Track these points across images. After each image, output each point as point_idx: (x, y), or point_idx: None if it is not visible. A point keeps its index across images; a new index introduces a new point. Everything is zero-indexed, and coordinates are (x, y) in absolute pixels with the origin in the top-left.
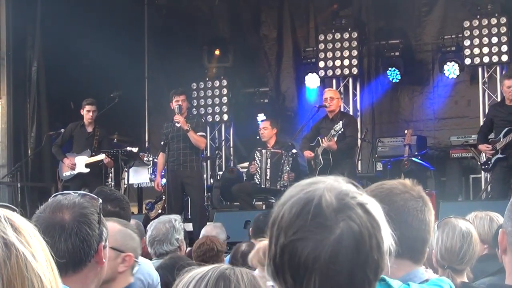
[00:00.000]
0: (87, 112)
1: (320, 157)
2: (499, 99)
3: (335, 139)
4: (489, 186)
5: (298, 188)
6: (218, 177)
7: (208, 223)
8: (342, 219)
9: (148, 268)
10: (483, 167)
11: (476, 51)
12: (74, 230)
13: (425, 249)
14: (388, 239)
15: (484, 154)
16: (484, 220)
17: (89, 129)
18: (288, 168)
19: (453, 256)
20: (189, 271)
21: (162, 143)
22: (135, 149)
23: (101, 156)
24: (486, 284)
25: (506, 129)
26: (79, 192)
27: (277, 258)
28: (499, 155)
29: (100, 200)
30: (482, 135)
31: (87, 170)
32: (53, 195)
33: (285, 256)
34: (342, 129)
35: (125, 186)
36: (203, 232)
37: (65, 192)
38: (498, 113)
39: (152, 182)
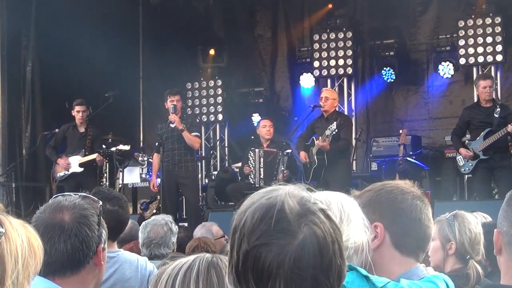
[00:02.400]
0: (77, 113)
1: (315, 157)
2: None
3: (329, 139)
4: (466, 187)
5: (258, 195)
6: (213, 177)
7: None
8: (305, 223)
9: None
10: (462, 169)
11: (471, 50)
12: (74, 231)
13: (427, 246)
14: (361, 236)
15: (462, 157)
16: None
17: (82, 129)
18: (283, 168)
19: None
20: (167, 265)
21: (156, 143)
22: (127, 147)
23: (94, 155)
24: (482, 285)
25: (487, 130)
26: (79, 193)
27: (240, 265)
28: (481, 157)
29: (101, 202)
30: (458, 138)
31: (81, 169)
32: (53, 196)
33: (248, 262)
34: (336, 130)
35: (120, 186)
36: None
37: (65, 193)
38: (475, 115)
39: (146, 182)
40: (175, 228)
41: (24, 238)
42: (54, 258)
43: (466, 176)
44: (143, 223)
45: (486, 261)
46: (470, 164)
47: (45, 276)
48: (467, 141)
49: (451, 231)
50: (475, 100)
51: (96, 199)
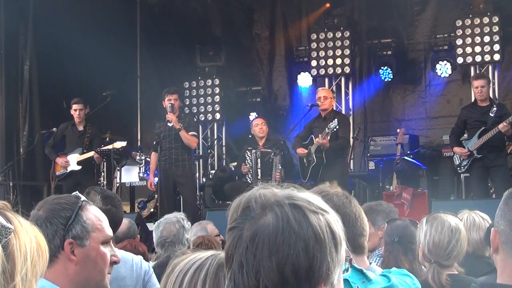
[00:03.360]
0: (74, 112)
1: (314, 155)
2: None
3: (329, 137)
4: (463, 186)
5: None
6: (210, 176)
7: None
8: (269, 211)
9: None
10: (459, 169)
11: (468, 50)
12: (38, 225)
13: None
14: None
15: (458, 156)
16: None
17: (80, 127)
18: (279, 167)
19: (441, 251)
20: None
21: (154, 142)
22: (123, 143)
23: (92, 153)
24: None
25: (481, 129)
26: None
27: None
28: (475, 155)
29: (82, 198)
30: (455, 137)
31: (79, 167)
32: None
33: (226, 244)
34: (337, 127)
35: (117, 184)
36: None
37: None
38: (471, 114)
39: (145, 181)
40: (187, 224)
41: (32, 237)
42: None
43: (463, 175)
44: (156, 223)
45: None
46: (465, 163)
47: None
48: (464, 140)
49: (419, 233)
50: (473, 99)
51: (79, 195)
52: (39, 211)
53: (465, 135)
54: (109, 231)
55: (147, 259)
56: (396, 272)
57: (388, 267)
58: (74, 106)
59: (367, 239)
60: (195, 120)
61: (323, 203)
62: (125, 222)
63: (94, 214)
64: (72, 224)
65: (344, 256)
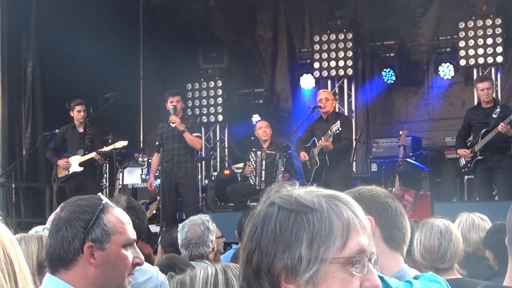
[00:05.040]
0: (77, 113)
1: (317, 157)
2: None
3: (331, 139)
4: (465, 188)
5: None
6: (213, 178)
7: None
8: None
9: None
10: (463, 170)
11: (471, 52)
12: (58, 227)
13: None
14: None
15: (463, 158)
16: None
17: (80, 129)
18: (282, 169)
19: (433, 255)
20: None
21: (157, 143)
22: (124, 143)
23: (93, 154)
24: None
25: (484, 130)
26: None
27: None
28: (478, 157)
29: (104, 201)
30: (461, 139)
31: (81, 169)
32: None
33: None
34: (340, 129)
35: (120, 186)
36: None
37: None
38: (475, 116)
39: (145, 183)
40: (212, 226)
41: None
42: (47, 252)
43: (466, 177)
44: (181, 224)
45: (494, 261)
46: (468, 165)
47: (49, 268)
48: (470, 143)
49: (412, 242)
50: (476, 101)
51: (101, 197)
52: (61, 212)
53: (471, 137)
54: (131, 234)
55: (152, 262)
56: (426, 277)
57: None
58: (77, 108)
59: (406, 241)
60: (198, 121)
61: (317, 200)
62: None
63: (116, 217)
64: (92, 227)
65: (328, 255)
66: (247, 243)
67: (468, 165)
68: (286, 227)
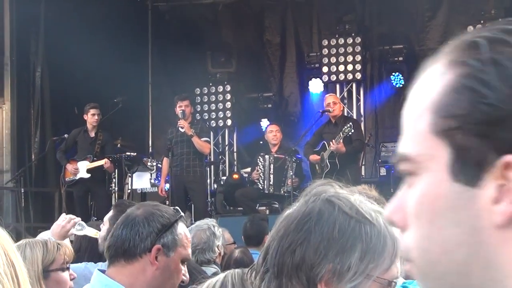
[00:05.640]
0: (91, 116)
1: (327, 161)
2: None
3: (341, 141)
4: None
5: None
6: (222, 182)
7: None
8: (310, 201)
9: None
10: None
11: None
12: (134, 222)
13: None
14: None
15: None
16: None
17: (92, 134)
18: (292, 174)
19: None
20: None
21: (166, 148)
22: (133, 154)
23: (102, 161)
24: None
25: None
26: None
27: None
28: None
29: (181, 214)
30: None
31: (88, 175)
32: None
33: None
34: (352, 131)
35: (129, 191)
36: None
37: None
38: None
39: (156, 188)
40: (218, 231)
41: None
42: (111, 242)
43: None
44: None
45: None
46: None
47: (107, 259)
48: None
49: None
50: None
51: (178, 209)
52: (138, 209)
53: None
54: (190, 253)
55: None
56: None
57: None
58: (92, 111)
59: None
60: (207, 126)
61: (375, 215)
62: None
63: (184, 232)
64: (166, 233)
65: (375, 272)
66: (292, 232)
67: None
68: (344, 231)
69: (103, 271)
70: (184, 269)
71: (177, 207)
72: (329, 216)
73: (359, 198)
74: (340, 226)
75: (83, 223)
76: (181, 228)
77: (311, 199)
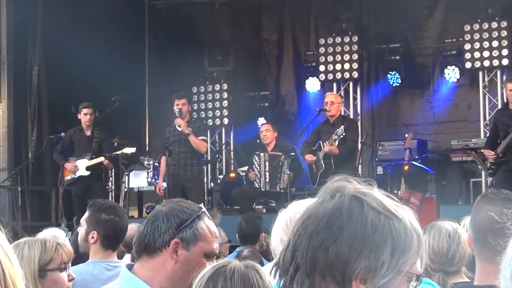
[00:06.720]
0: (84, 116)
1: (322, 161)
2: (499, 103)
3: (336, 143)
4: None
5: None
6: (219, 181)
7: None
8: (333, 198)
9: None
10: (488, 171)
11: (477, 55)
12: (155, 218)
13: None
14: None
15: (488, 159)
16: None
17: (88, 132)
18: (287, 171)
19: (443, 258)
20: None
21: (164, 147)
22: (133, 149)
23: (101, 158)
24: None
25: (506, 132)
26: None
27: None
28: (502, 159)
29: (203, 209)
30: (489, 140)
31: (88, 173)
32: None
33: None
34: (344, 134)
35: (126, 189)
36: None
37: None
38: (501, 117)
39: (153, 186)
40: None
41: None
42: (136, 239)
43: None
44: None
45: None
46: (492, 166)
47: (135, 253)
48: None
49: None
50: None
51: (202, 206)
52: (163, 207)
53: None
54: (216, 248)
55: None
56: None
57: None
58: (84, 110)
59: None
60: (205, 124)
61: (399, 210)
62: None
63: (208, 227)
64: (185, 227)
65: (405, 267)
66: (323, 230)
67: (492, 167)
68: (376, 227)
69: (131, 267)
70: (209, 263)
71: (201, 204)
72: (360, 213)
73: (380, 193)
74: (372, 222)
75: None
76: (203, 224)
77: (337, 195)
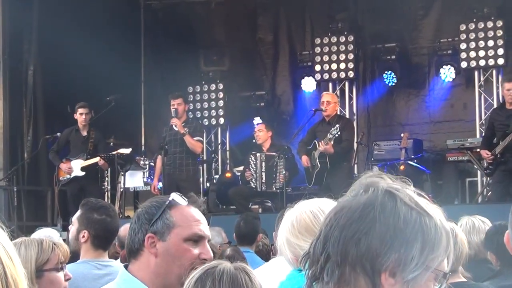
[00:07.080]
0: (80, 115)
1: (317, 160)
2: (495, 103)
3: (332, 142)
4: (485, 190)
5: None
6: (214, 181)
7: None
8: (367, 192)
9: None
10: (485, 171)
11: (472, 54)
12: (131, 222)
13: None
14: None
15: (485, 160)
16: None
17: (84, 132)
18: (283, 170)
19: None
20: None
21: (160, 146)
22: (127, 150)
23: (96, 159)
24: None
25: (504, 132)
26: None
27: None
28: (499, 159)
29: (172, 198)
30: (485, 139)
31: (83, 173)
32: None
33: None
34: (339, 133)
35: (121, 189)
36: None
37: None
38: (498, 117)
39: (149, 186)
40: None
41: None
42: (125, 244)
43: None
44: None
45: (496, 262)
46: (491, 166)
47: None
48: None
49: None
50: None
51: (173, 195)
52: (138, 209)
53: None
54: (198, 230)
55: None
56: None
57: None
58: (80, 110)
59: None
60: (201, 124)
61: (430, 208)
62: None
63: (181, 213)
64: (156, 221)
65: (433, 264)
66: (355, 221)
67: (490, 167)
68: (408, 222)
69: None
70: (200, 247)
71: (174, 194)
72: (393, 207)
73: (413, 190)
74: (404, 217)
75: None
76: (175, 211)
77: (370, 189)
